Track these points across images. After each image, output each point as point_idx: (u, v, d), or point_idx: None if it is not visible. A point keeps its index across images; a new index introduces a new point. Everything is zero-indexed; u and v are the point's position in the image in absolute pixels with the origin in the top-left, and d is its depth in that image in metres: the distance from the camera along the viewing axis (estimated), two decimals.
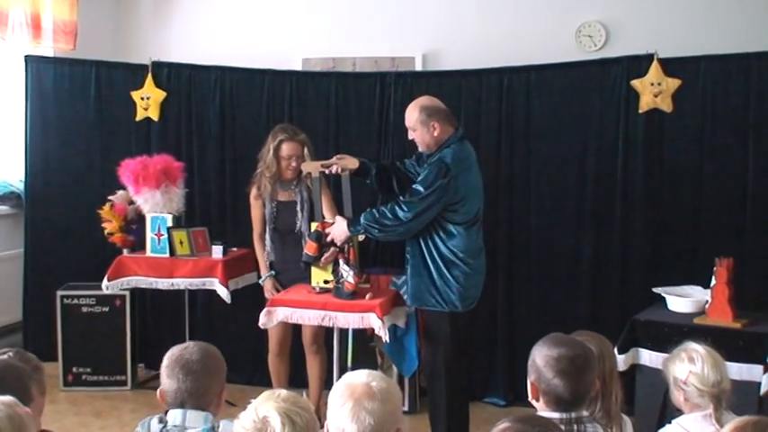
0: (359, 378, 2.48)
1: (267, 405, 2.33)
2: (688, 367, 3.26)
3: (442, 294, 4.75)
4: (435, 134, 4.77)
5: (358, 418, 2.37)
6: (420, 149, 4.92)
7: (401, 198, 4.72)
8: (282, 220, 5.49)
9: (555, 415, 2.83)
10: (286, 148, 5.44)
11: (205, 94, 6.72)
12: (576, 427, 2.83)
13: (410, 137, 4.90)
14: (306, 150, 5.44)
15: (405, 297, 5.03)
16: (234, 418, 2.41)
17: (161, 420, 3.02)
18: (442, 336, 4.84)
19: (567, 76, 6.10)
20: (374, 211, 4.74)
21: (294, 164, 5.43)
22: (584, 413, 2.89)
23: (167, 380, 3.01)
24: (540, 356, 2.89)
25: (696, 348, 3.31)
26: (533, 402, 2.97)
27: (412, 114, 4.83)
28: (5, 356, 3.04)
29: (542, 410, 2.90)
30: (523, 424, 2.34)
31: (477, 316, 5.34)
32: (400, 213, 4.63)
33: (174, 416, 2.99)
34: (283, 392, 2.41)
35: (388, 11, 7.00)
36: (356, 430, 2.37)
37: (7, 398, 2.47)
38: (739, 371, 4.33)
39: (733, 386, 3.31)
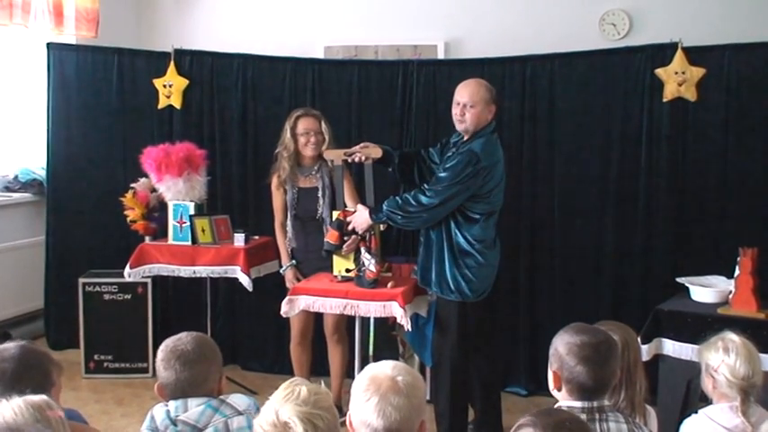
0: (383, 371, 2.45)
1: (287, 408, 2.28)
2: (722, 357, 3.25)
3: (453, 283, 4.76)
4: (489, 117, 4.79)
5: (384, 414, 2.35)
6: (459, 127, 4.86)
7: (425, 185, 4.73)
8: (303, 207, 5.47)
9: (577, 404, 2.82)
10: (302, 123, 5.42)
11: (227, 82, 6.71)
12: (597, 416, 2.80)
13: (458, 112, 4.80)
14: (323, 125, 5.42)
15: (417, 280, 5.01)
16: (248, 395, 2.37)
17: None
18: (450, 325, 4.86)
19: (590, 65, 6.05)
20: (397, 198, 4.74)
21: (313, 139, 5.41)
22: (606, 402, 2.87)
23: (165, 372, 3.03)
24: (563, 344, 2.88)
25: (733, 339, 3.30)
26: (554, 393, 2.95)
27: (478, 90, 4.78)
28: (22, 343, 2.99)
29: (564, 399, 2.88)
30: (551, 430, 2.26)
31: (498, 305, 5.33)
32: (424, 199, 4.64)
33: (176, 405, 2.99)
34: (303, 391, 2.33)
35: None
36: (382, 426, 2.35)
37: (38, 398, 2.35)
38: (764, 362, 4.27)
39: None
